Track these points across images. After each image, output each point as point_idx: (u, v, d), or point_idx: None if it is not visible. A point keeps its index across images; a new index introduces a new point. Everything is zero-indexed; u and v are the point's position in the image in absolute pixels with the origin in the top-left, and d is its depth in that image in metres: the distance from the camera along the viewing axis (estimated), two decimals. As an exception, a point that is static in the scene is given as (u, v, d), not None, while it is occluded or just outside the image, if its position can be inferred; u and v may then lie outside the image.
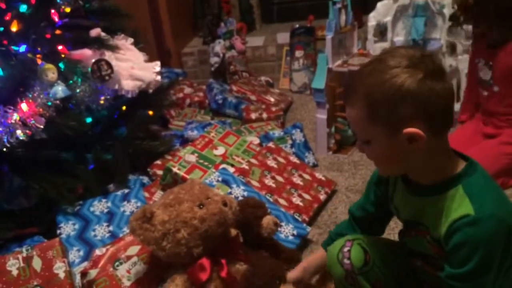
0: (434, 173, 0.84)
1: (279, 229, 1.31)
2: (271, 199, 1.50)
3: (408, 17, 2.13)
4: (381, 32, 2.23)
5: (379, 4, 2.21)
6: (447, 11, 2.04)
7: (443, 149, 0.83)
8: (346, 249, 0.97)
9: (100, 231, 1.37)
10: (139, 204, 1.47)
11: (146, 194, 1.57)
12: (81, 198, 1.48)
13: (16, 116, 1.25)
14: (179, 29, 3.15)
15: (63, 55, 1.53)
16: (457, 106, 1.92)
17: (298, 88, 2.84)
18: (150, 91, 1.81)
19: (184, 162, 1.62)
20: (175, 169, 1.58)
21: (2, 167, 1.43)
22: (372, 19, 2.23)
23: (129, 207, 1.45)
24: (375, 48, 2.22)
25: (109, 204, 1.45)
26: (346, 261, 0.96)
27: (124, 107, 1.79)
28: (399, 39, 2.19)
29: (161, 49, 3.04)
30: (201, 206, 1.07)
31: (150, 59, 1.86)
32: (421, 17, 2.08)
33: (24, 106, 1.30)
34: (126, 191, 1.52)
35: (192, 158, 1.65)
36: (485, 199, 0.79)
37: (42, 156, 1.46)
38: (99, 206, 1.44)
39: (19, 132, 1.26)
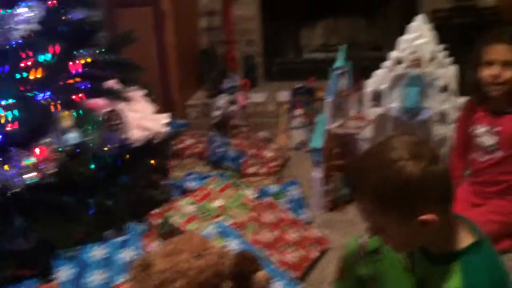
0: (441, 245, 0.90)
1: (270, 285, 1.35)
2: (264, 254, 1.54)
3: (403, 86, 2.25)
4: (376, 98, 2.35)
5: (376, 72, 2.34)
6: (439, 83, 2.17)
7: (449, 222, 0.89)
8: (367, 235, 1.05)
9: (97, 277, 1.40)
10: (137, 251, 1.50)
11: (144, 242, 1.61)
12: (80, 242, 1.51)
13: (29, 160, 1.32)
14: (185, 82, 3.28)
15: (78, 103, 1.62)
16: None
17: (296, 145, 2.93)
18: (155, 141, 1.88)
19: (182, 212, 1.67)
20: (173, 219, 1.63)
21: (7, 208, 1.47)
22: (369, 86, 2.35)
23: (127, 254, 1.49)
24: (370, 113, 2.32)
25: (108, 250, 1.49)
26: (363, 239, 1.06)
27: (127, 156, 1.86)
28: (394, 105, 2.30)
29: (166, 100, 3.16)
30: (199, 257, 1.11)
31: (156, 109, 1.95)
32: (414, 87, 2.20)
33: (37, 150, 1.36)
34: (125, 238, 1.55)
35: (191, 209, 1.70)
36: (479, 280, 0.84)
37: (45, 198, 1.51)
38: (98, 251, 1.47)
39: (30, 175, 1.32)
